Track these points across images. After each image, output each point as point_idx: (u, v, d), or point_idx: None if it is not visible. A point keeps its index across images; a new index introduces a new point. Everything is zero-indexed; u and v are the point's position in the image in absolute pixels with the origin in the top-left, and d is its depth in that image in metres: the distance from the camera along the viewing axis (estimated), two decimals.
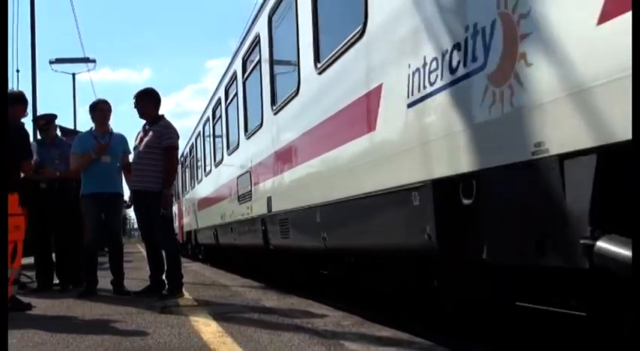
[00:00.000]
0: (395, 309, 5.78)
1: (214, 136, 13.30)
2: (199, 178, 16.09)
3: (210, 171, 13.88)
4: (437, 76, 3.63)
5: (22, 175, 6.47)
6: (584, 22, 2.47)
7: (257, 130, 8.56)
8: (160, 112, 7.02)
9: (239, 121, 9.90)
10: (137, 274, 8.58)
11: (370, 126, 4.59)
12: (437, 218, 3.66)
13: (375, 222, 4.74)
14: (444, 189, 3.61)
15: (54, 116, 8.21)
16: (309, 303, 5.93)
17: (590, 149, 2.46)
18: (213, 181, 13.31)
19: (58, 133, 8.35)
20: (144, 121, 7.01)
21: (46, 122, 8.07)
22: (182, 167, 19.41)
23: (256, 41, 8.41)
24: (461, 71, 3.40)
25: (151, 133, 6.77)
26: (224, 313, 5.16)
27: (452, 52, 3.48)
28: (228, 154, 11.23)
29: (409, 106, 3.96)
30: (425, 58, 3.76)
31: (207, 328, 4.40)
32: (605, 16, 2.37)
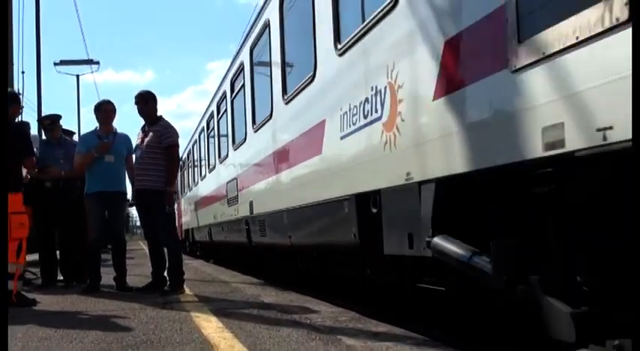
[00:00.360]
0: (391, 305, 5.79)
1: (209, 145, 14.48)
2: (196, 181, 17.09)
3: (205, 176, 14.95)
4: (356, 119, 4.83)
5: (26, 174, 6.48)
6: (426, 97, 3.69)
7: (242, 144, 9.72)
8: (159, 113, 7.06)
9: (228, 134, 11.17)
10: (139, 271, 8.58)
11: (318, 150, 5.72)
12: (358, 222, 4.84)
13: (321, 224, 5.96)
14: (362, 201, 4.74)
15: (58, 116, 8.21)
16: (307, 299, 5.93)
17: (432, 179, 3.64)
18: (207, 184, 14.39)
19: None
20: (143, 122, 7.04)
21: (50, 122, 8.06)
22: (180, 170, 19.83)
23: (240, 69, 9.80)
24: (369, 118, 4.58)
25: (151, 134, 6.79)
26: (224, 309, 5.17)
27: (364, 104, 4.66)
28: (220, 162, 12.34)
29: (341, 138, 5.15)
30: (350, 105, 4.94)
31: (208, 323, 4.40)
32: (435, 96, 3.59)
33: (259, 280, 8.81)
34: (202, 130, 15.41)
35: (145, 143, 6.80)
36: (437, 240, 3.50)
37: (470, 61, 3.33)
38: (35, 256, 8.11)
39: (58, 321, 4.68)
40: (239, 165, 10.06)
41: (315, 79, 5.78)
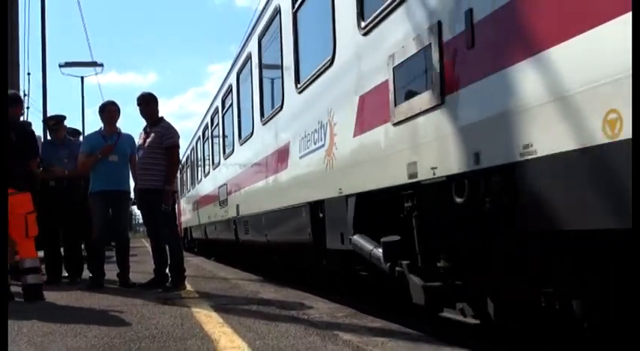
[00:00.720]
0: (386, 300, 5.80)
1: (205, 151, 15.78)
2: (194, 183, 18.25)
3: (201, 179, 16.18)
4: (310, 144, 5.98)
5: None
6: (349, 134, 4.90)
7: (231, 154, 11.04)
8: (162, 114, 7.06)
9: (220, 145, 12.73)
10: (142, 268, 8.58)
11: (285, 166, 6.93)
12: (312, 224, 5.96)
13: (287, 225, 7.02)
14: (314, 208, 5.91)
15: (63, 117, 8.21)
16: (305, 295, 5.94)
17: (354, 194, 4.83)
18: (203, 187, 15.59)
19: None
20: (145, 123, 7.05)
21: (55, 123, 8.06)
22: (180, 172, 20.55)
23: (229, 90, 11.30)
24: (317, 145, 5.74)
25: (152, 134, 6.79)
26: (224, 305, 5.17)
27: (314, 133, 5.81)
28: (213, 169, 13.68)
29: (300, 157, 6.34)
30: (306, 132, 6.10)
31: (209, 318, 4.41)
32: (355, 134, 4.79)
33: (258, 276, 8.82)
34: (199, 138, 16.83)
35: (146, 143, 6.81)
36: (355, 238, 4.71)
37: (371, 114, 4.54)
38: (40, 253, 8.10)
39: (62, 316, 4.69)
40: (228, 172, 11.29)
41: (284, 108, 7.06)
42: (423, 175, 3.69)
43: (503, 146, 2.93)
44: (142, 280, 7.11)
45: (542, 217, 2.76)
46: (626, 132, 2.19)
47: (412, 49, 3.82)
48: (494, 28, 3.04)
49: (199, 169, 16.87)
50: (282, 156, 7.08)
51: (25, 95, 16.21)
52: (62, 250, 8.06)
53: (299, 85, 6.32)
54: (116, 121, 7.37)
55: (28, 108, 17.64)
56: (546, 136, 2.66)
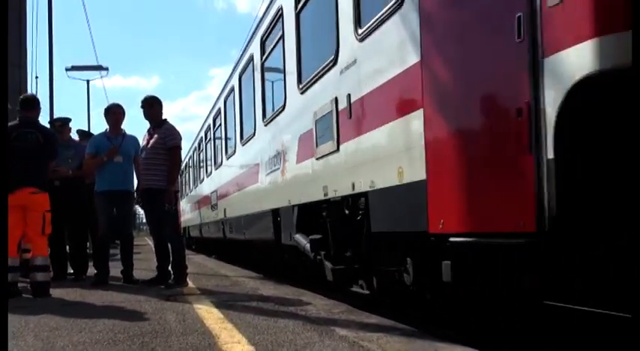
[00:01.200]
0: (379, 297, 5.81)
1: (200, 161, 17.46)
2: (192, 187, 19.67)
3: (197, 185, 17.82)
4: (272, 165, 7.64)
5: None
6: (294, 161, 6.59)
7: (220, 166, 12.88)
8: (165, 116, 7.06)
9: (212, 156, 14.35)
10: (145, 265, 8.57)
11: (257, 181, 8.68)
12: (274, 226, 7.56)
13: (259, 226, 8.65)
14: (274, 214, 7.54)
15: (69, 119, 8.23)
16: (303, 292, 5.95)
17: (297, 204, 6.44)
18: (199, 191, 17.11)
19: (73, 135, 8.38)
20: (149, 125, 7.04)
21: (61, 124, 8.06)
22: (180, 176, 21.01)
23: (218, 114, 13.29)
24: (276, 166, 7.42)
25: (156, 136, 6.80)
26: (225, 301, 5.18)
27: (274, 158, 7.49)
28: (207, 177, 15.28)
29: (266, 175, 8.03)
30: (269, 156, 7.78)
31: (210, 314, 4.41)
32: (297, 162, 6.45)
33: (258, 274, 8.82)
34: (195, 148, 18.55)
35: (150, 145, 6.82)
36: (297, 236, 6.29)
37: (304, 150, 6.19)
38: None
39: (68, 312, 4.69)
40: (218, 181, 13.01)
41: (255, 135, 8.84)
42: (331, 194, 5.40)
43: (365, 180, 4.59)
44: (145, 277, 7.11)
45: (380, 222, 4.46)
46: (407, 179, 3.93)
47: (325, 111, 5.48)
48: (359, 108, 4.78)
49: (196, 175, 18.31)
50: (254, 172, 8.84)
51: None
52: (67, 247, 8.06)
53: (265, 120, 8.16)
54: (121, 123, 7.37)
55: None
56: (378, 177, 4.39)
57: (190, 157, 19.89)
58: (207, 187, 14.93)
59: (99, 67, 25.26)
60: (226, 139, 11.96)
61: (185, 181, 21.52)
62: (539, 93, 2.75)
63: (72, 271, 7.92)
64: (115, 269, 7.30)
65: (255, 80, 8.84)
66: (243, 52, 9.90)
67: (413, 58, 3.86)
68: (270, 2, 7.74)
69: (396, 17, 4.10)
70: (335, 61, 5.26)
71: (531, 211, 2.77)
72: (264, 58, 8.32)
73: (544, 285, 2.91)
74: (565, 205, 2.66)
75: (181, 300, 5.35)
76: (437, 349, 3.07)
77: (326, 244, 5.60)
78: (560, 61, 2.66)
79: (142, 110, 6.96)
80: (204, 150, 16.11)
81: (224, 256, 13.97)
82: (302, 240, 6.08)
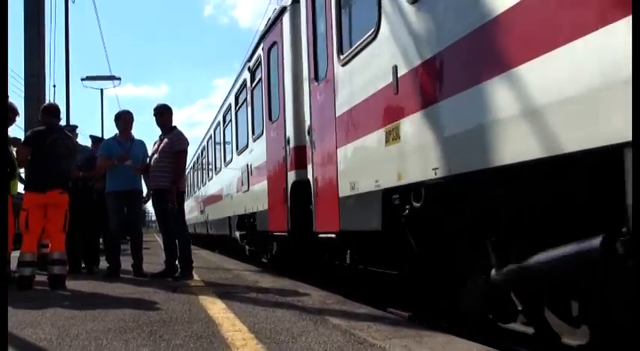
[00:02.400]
0: (370, 288, 5.81)
1: (195, 176, 20.75)
2: (190, 194, 21.55)
3: (195, 193, 20.68)
4: (228, 191, 11.58)
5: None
6: (240, 189, 9.64)
7: (211, 179, 15.26)
8: (174, 123, 7.06)
9: (207, 169, 16.87)
10: (154, 260, 8.55)
11: (221, 198, 12.58)
12: (229, 226, 11.17)
13: (222, 226, 12.16)
14: (240, 218, 9.86)
15: (76, 126, 8.46)
16: (299, 284, 5.94)
17: (235, 215, 10.39)
18: (195, 198, 20.31)
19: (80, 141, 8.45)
20: (159, 130, 7.05)
21: (70, 130, 8.08)
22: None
23: (203, 149, 17.90)
24: (227, 193, 11.75)
25: (165, 141, 6.80)
26: (228, 293, 5.16)
27: (228, 186, 11.37)
28: (202, 186, 18.04)
29: (244, 192, 9.53)
30: (226, 185, 11.69)
31: (213, 305, 4.40)
32: (249, 186, 9.09)
33: (258, 267, 8.80)
34: (193, 164, 21.08)
35: (159, 149, 6.82)
36: (235, 232, 9.65)
37: (238, 186, 9.80)
38: None
39: (82, 302, 4.67)
40: (207, 192, 16.15)
41: (219, 173, 12.23)
42: (248, 211, 8.63)
43: (255, 205, 7.94)
44: (153, 271, 7.08)
45: (259, 226, 7.70)
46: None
47: (243, 168, 9.53)
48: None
49: (194, 184, 21.22)
50: (220, 193, 12.66)
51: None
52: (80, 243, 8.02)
53: (225, 164, 11.56)
54: (130, 128, 7.35)
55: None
56: (259, 206, 7.54)
57: (190, 169, 22.06)
58: (200, 196, 18.85)
59: (112, 77, 25.17)
60: (215, 159, 14.77)
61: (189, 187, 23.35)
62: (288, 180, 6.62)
63: (84, 265, 7.89)
64: (126, 263, 7.28)
65: (226, 133, 12.23)
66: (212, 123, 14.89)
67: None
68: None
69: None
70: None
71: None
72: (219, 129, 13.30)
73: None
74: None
75: (187, 291, 5.33)
76: (421, 337, 3.07)
77: (249, 235, 9.36)
78: (293, 172, 6.43)
79: (154, 117, 6.98)
80: (199, 168, 19.64)
81: (237, 255, 14.24)
82: (237, 234, 10.14)
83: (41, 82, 9.41)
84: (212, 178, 14.73)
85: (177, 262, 6.81)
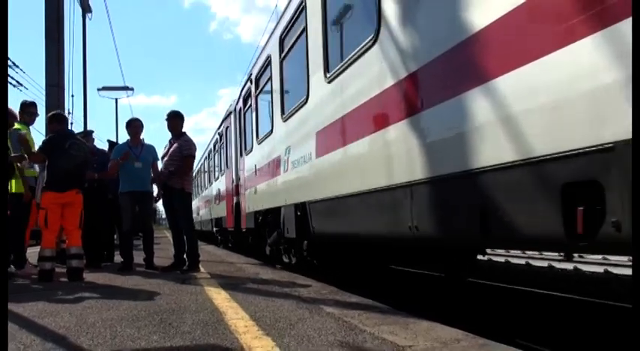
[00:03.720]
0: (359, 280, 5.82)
1: (201, 179, 21.87)
2: (195, 195, 22.90)
3: (199, 194, 22.00)
4: (214, 200, 15.16)
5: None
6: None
7: (203, 192, 18.36)
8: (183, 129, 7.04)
9: (201, 186, 20.03)
10: (164, 254, 8.53)
11: (219, 202, 13.93)
12: (214, 224, 15.05)
13: (209, 224, 16.49)
14: (216, 220, 14.58)
15: (92, 131, 8.45)
16: (296, 276, 5.94)
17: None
18: (201, 199, 21.35)
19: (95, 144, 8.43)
20: (169, 136, 7.03)
21: (84, 135, 8.09)
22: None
23: (206, 156, 19.24)
24: (216, 202, 14.68)
25: (175, 145, 6.79)
26: (231, 284, 5.16)
27: (217, 196, 13.55)
28: (202, 192, 20.28)
29: (217, 205, 14.27)
30: (217, 194, 14.54)
31: (218, 295, 4.40)
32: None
33: (259, 261, 8.80)
34: (199, 170, 21.97)
35: (169, 152, 6.82)
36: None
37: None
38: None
39: (98, 293, 4.66)
40: (200, 201, 19.94)
41: (211, 185, 14.50)
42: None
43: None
44: (163, 264, 7.07)
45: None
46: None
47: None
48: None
49: (200, 187, 22.42)
50: (206, 202, 15.97)
51: (69, 113, 16.16)
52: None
53: (215, 179, 13.68)
54: (140, 133, 7.34)
55: (71, 123, 17.45)
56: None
57: (198, 173, 23.64)
58: (202, 198, 20.53)
59: (125, 88, 25.05)
60: (201, 186, 18.31)
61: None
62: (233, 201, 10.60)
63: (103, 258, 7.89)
64: (138, 257, 7.26)
65: (210, 165, 15.36)
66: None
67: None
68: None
69: None
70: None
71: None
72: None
73: None
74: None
75: (194, 283, 5.33)
76: (407, 324, 3.08)
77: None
78: (234, 197, 10.84)
79: (167, 122, 6.97)
80: (205, 172, 21.05)
81: (240, 250, 14.61)
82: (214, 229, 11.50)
83: (60, 92, 9.38)
84: (203, 192, 19.40)
85: (185, 256, 6.80)
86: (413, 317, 3.31)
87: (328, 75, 4.87)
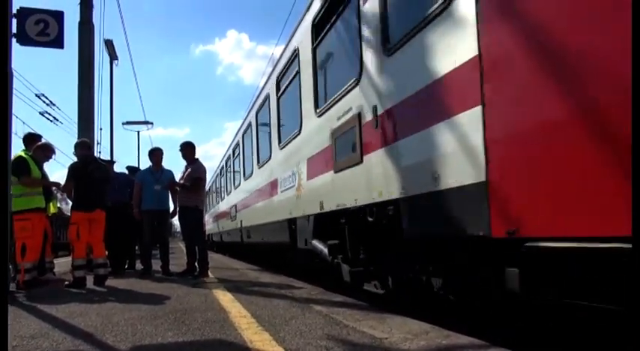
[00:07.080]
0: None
1: (212, 196, 19.75)
2: (212, 205, 20.70)
3: (218, 203, 19.75)
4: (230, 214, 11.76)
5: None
6: (304, 178, 5.25)
7: (219, 203, 15.55)
8: (196, 156, 7.04)
9: (212, 203, 18.26)
10: (178, 262, 8.42)
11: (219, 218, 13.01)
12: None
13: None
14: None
15: (114, 161, 8.56)
16: (292, 280, 5.90)
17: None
18: (215, 211, 18.45)
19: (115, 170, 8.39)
20: (185, 162, 7.04)
21: (110, 163, 8.12)
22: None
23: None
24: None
25: (189, 170, 6.81)
26: (235, 287, 5.11)
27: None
28: (217, 203, 17.14)
29: (213, 219, 14.68)
30: (228, 210, 11.74)
31: (224, 296, 4.35)
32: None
33: (259, 267, 8.72)
34: (217, 175, 19.61)
35: (184, 176, 6.84)
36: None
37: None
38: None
39: (121, 296, 4.59)
40: (216, 211, 16.21)
41: (222, 202, 13.09)
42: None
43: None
44: (178, 270, 6.98)
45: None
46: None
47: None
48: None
49: (217, 196, 19.61)
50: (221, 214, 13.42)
51: (98, 144, 16.11)
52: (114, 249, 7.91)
53: (220, 198, 12.84)
54: (161, 160, 7.32)
55: (99, 152, 17.33)
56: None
57: (207, 194, 23.27)
58: (215, 211, 18.01)
59: (146, 122, 25.00)
60: (228, 180, 13.88)
61: (208, 201, 22.75)
62: None
63: (126, 267, 7.77)
64: (156, 265, 7.17)
65: (219, 185, 14.22)
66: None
67: None
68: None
69: None
70: None
71: None
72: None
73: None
74: None
75: (204, 287, 5.27)
76: (384, 319, 3.07)
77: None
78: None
79: (181, 152, 6.99)
80: (222, 175, 19.89)
81: (241, 257, 14.06)
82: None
83: (90, 127, 9.35)
84: (215, 207, 17.06)
85: (196, 264, 6.73)
86: (388, 313, 3.30)
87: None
